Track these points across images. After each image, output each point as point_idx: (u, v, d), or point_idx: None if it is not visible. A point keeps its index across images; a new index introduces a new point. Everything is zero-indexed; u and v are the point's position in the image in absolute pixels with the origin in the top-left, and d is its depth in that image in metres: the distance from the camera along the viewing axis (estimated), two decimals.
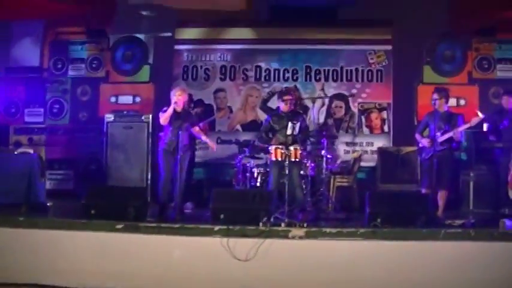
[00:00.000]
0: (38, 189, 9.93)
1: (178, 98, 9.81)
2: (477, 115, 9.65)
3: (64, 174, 13.42)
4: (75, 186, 13.19)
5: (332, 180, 11.37)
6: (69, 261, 8.00)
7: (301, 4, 12.65)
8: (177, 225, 8.12)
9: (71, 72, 13.90)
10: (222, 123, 13.28)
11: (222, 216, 8.21)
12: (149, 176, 12.01)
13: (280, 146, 9.52)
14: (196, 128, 10.13)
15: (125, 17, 13.86)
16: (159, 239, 7.98)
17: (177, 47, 13.76)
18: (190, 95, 11.78)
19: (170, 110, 9.72)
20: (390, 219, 8.03)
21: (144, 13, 14.06)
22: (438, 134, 9.66)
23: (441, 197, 9.75)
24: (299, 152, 9.52)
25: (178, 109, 9.84)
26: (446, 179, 9.77)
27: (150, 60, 13.82)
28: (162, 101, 12.05)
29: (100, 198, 8.78)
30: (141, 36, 14.03)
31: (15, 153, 10.55)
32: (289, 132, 9.75)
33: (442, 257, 7.64)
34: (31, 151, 10.69)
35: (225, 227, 7.85)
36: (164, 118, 9.76)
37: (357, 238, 7.77)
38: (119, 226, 8.05)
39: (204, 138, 10.30)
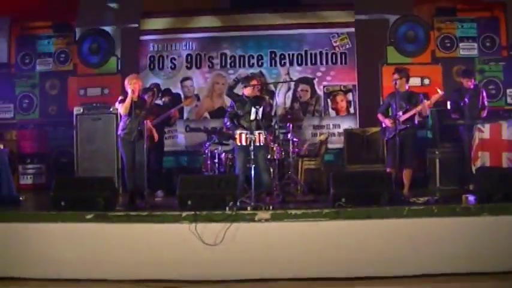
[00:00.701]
0: (8, 184, 9.90)
1: (134, 86, 9.84)
2: (437, 92, 9.83)
3: (36, 168, 13.57)
4: (47, 179, 13.24)
5: (300, 163, 11.46)
6: (41, 253, 8.00)
7: None
8: (145, 213, 8.16)
9: (38, 67, 13.93)
10: (190, 111, 13.38)
11: (189, 202, 8.23)
12: (119, 166, 12.04)
13: (244, 131, 9.59)
14: (149, 123, 9.98)
15: (90, 9, 13.91)
16: (129, 227, 8.03)
17: (142, 37, 13.81)
18: (157, 85, 11.88)
19: (129, 99, 9.79)
20: (354, 199, 8.11)
21: (109, 5, 14.06)
22: (400, 113, 9.82)
23: (406, 175, 9.93)
24: (263, 136, 9.57)
25: (135, 98, 9.88)
26: (409, 157, 9.93)
27: (117, 52, 13.90)
28: None
29: (68, 190, 8.73)
30: (107, 28, 14.08)
31: None
32: (252, 117, 9.82)
33: (406, 234, 7.76)
34: (1, 146, 10.71)
35: (192, 212, 7.88)
36: (125, 107, 9.82)
37: (321, 219, 7.85)
38: (89, 216, 8.07)
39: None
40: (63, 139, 13.38)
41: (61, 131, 13.48)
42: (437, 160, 11.35)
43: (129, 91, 9.80)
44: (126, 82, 9.98)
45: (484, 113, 10.94)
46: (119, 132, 10.13)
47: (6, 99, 13.91)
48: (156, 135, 10.25)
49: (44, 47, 13.99)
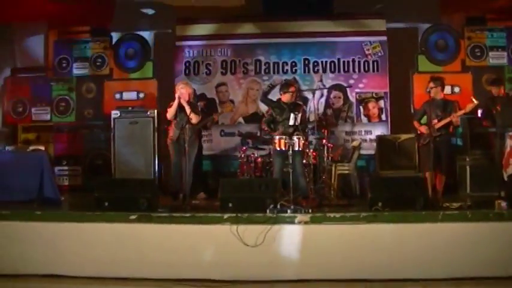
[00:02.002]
0: (50, 185, 10.12)
1: (181, 91, 10.24)
2: (472, 101, 10.02)
3: (72, 170, 13.70)
4: (83, 181, 13.51)
5: (333, 168, 11.62)
6: (85, 252, 8.24)
7: None
8: (188, 215, 8.39)
9: (75, 71, 14.11)
10: (224, 116, 13.50)
11: (230, 204, 8.55)
12: (156, 169, 12.32)
13: (283, 136, 9.76)
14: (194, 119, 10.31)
15: (126, 14, 14.10)
16: (171, 228, 8.26)
17: (178, 43, 13.97)
18: (193, 90, 12.12)
19: (175, 105, 10.12)
20: (390, 203, 8.39)
21: (144, 11, 14.34)
22: (435, 120, 10.05)
23: (439, 181, 10.14)
24: (302, 141, 9.76)
25: (183, 103, 10.22)
26: (443, 163, 10.16)
27: (153, 57, 14.05)
28: (165, 96, 12.52)
29: (112, 191, 9.03)
30: (143, 33, 14.30)
31: (28, 150, 10.79)
32: (291, 122, 10.07)
33: (440, 238, 7.95)
34: (42, 148, 10.98)
35: (234, 214, 8.12)
36: (170, 113, 10.22)
37: (359, 222, 8.08)
38: (133, 217, 8.32)
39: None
40: (98, 142, 13.60)
41: (97, 134, 13.69)
42: (467, 167, 11.41)
43: (176, 96, 10.16)
44: (176, 88, 10.50)
45: None
46: (169, 137, 10.52)
47: (43, 102, 14.09)
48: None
49: (81, 52, 14.16)
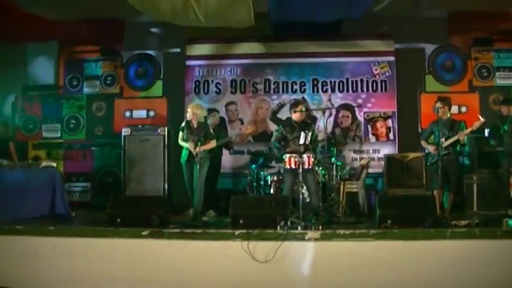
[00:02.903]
0: (62, 201, 10.26)
1: (189, 114, 10.47)
2: (479, 119, 10.15)
3: (82, 187, 13.84)
4: (92, 198, 13.66)
5: (342, 186, 11.70)
6: (98, 267, 8.35)
7: (306, 20, 13.06)
8: (199, 231, 8.50)
9: (86, 89, 14.30)
10: (234, 135, 13.52)
11: (241, 221, 8.65)
12: (166, 186, 12.43)
13: (294, 155, 9.92)
14: (210, 144, 10.55)
15: (136, 34, 14.31)
16: (183, 244, 8.36)
17: (188, 62, 14.13)
18: (214, 109, 12.33)
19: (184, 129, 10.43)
20: (399, 221, 8.48)
21: (153, 30, 14.52)
22: (442, 139, 10.18)
23: (448, 199, 10.25)
24: (312, 159, 9.95)
25: (194, 124, 10.42)
26: (451, 181, 10.28)
27: (163, 76, 14.17)
28: (175, 114, 12.65)
29: (124, 207, 9.21)
30: (152, 52, 14.46)
31: (40, 167, 10.88)
32: (301, 141, 10.18)
33: (449, 255, 8.05)
34: (54, 164, 11.08)
35: (245, 231, 8.23)
36: (180, 137, 10.55)
37: (368, 239, 8.19)
38: (145, 233, 8.44)
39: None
40: (108, 159, 13.77)
41: (107, 151, 13.84)
42: (475, 185, 11.51)
43: (186, 120, 10.42)
44: (188, 110, 10.64)
45: None
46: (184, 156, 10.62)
47: (54, 120, 14.22)
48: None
49: (91, 70, 14.34)
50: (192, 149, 10.13)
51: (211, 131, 10.89)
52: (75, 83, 14.38)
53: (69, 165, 13.99)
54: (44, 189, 10.24)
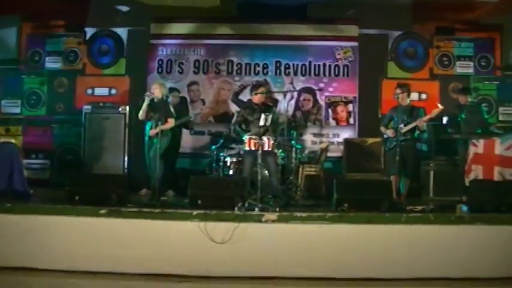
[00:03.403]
0: (20, 178, 10.14)
1: (154, 90, 10.58)
2: (437, 107, 10.29)
3: (41, 164, 13.67)
4: (51, 175, 13.48)
5: (301, 169, 11.83)
6: (56, 245, 8.29)
7: (271, 1, 13.07)
8: (157, 210, 8.49)
9: (48, 65, 14.10)
10: (195, 115, 13.44)
11: (199, 201, 8.66)
12: (126, 165, 12.42)
13: (253, 137, 9.96)
14: (169, 123, 10.62)
15: (101, 11, 14.09)
16: (141, 223, 8.36)
17: (152, 41, 14.07)
18: (175, 88, 12.28)
19: (145, 104, 10.41)
20: (356, 205, 8.58)
21: (119, 7, 14.35)
22: (401, 125, 10.30)
23: (404, 184, 10.40)
24: (272, 142, 9.99)
25: (156, 100, 10.49)
26: (408, 167, 10.41)
27: (126, 54, 14.07)
28: (138, 93, 12.57)
29: (83, 185, 9.10)
30: (117, 30, 14.29)
31: None
32: (261, 123, 10.14)
33: (403, 239, 8.18)
34: (12, 140, 10.98)
35: (202, 211, 8.25)
36: (140, 114, 10.51)
37: (325, 222, 8.26)
38: (103, 211, 8.41)
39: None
40: (68, 136, 13.61)
41: (67, 129, 13.68)
42: (431, 172, 11.68)
43: (146, 96, 10.44)
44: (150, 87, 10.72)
45: (493, 127, 11.46)
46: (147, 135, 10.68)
47: (14, 95, 14.04)
48: (153, 132, 10.49)
49: (54, 46, 14.14)
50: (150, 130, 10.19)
51: (172, 109, 10.89)
52: (37, 58, 14.17)
53: (29, 141, 13.78)
54: (1, 165, 10.08)
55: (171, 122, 10.62)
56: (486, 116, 11.84)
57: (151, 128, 10.42)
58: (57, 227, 8.43)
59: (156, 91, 10.52)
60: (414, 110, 10.56)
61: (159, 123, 10.18)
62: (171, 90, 12.01)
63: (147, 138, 10.55)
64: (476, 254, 8.09)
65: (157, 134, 10.08)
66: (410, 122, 10.33)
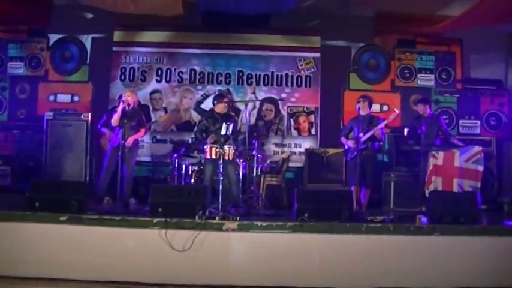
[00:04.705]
0: None
1: (127, 98, 10.45)
2: (394, 111, 10.47)
3: (1, 170, 13.41)
4: (12, 182, 13.28)
5: (262, 179, 11.90)
6: (15, 252, 8.23)
7: (234, 11, 13.12)
8: (118, 218, 8.45)
9: (9, 71, 13.90)
10: (157, 124, 13.59)
11: (160, 209, 8.61)
12: (87, 173, 12.33)
13: (214, 145, 10.04)
14: (141, 132, 10.73)
15: (64, 17, 14.01)
16: (101, 230, 8.33)
17: (115, 48, 14.02)
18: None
19: (119, 111, 10.31)
20: (316, 214, 8.59)
21: (82, 14, 14.30)
22: (361, 134, 10.45)
23: (364, 194, 10.55)
24: (232, 151, 10.07)
25: (127, 109, 10.40)
26: (368, 178, 10.59)
27: (89, 61, 13.98)
28: (100, 100, 12.59)
29: (43, 192, 8.96)
30: (80, 37, 14.23)
31: None
32: (223, 132, 10.29)
33: (364, 249, 8.29)
34: None
35: (163, 219, 8.25)
36: (114, 119, 10.36)
37: (285, 231, 8.32)
38: (63, 218, 8.36)
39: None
40: (30, 143, 13.35)
41: (29, 135, 13.42)
42: (392, 183, 11.78)
43: (121, 102, 10.37)
44: (122, 94, 10.73)
45: (454, 139, 11.62)
46: (110, 140, 10.67)
47: None
48: (130, 141, 10.53)
49: (16, 51, 13.97)
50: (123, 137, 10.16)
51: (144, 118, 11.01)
52: None
53: None
54: None
55: (142, 132, 10.73)
56: (446, 127, 11.94)
57: (122, 136, 10.29)
58: (16, 234, 8.36)
59: (129, 98, 10.45)
60: (373, 119, 10.80)
61: (131, 132, 10.29)
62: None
63: (114, 145, 10.45)
64: (435, 264, 8.21)
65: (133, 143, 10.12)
66: (369, 130, 10.46)
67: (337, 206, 8.82)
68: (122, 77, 13.97)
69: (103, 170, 10.69)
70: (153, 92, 13.98)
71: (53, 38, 14.12)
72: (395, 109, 10.58)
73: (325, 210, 8.73)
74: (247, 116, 11.53)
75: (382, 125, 10.56)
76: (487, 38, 13.70)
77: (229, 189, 10.26)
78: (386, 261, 8.23)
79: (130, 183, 10.33)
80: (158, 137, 13.66)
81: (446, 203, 9.02)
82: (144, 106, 13.49)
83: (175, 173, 11.79)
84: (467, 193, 10.08)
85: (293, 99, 13.90)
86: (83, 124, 12.42)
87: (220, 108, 10.78)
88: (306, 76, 13.88)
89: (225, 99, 10.88)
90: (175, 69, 14.01)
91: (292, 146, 13.76)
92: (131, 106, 10.50)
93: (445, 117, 13.24)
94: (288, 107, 13.88)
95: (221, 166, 9.70)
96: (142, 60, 14.07)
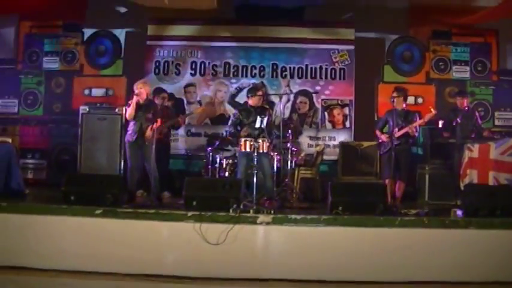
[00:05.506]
0: (17, 177, 10.13)
1: (139, 90, 10.35)
2: (430, 111, 10.37)
3: (37, 164, 13.70)
4: (48, 175, 13.50)
5: (296, 172, 11.86)
6: (51, 245, 8.33)
7: (268, 4, 13.10)
8: (152, 211, 8.52)
9: (45, 65, 14.06)
10: (192, 117, 13.54)
11: (194, 203, 8.66)
12: (122, 166, 12.37)
13: (249, 139, 10.05)
14: (158, 123, 10.42)
15: (98, 11, 14.12)
16: (136, 223, 8.40)
17: (149, 42, 14.09)
18: (162, 89, 12.18)
19: (133, 104, 10.27)
20: (351, 208, 8.59)
21: (117, 8, 14.40)
22: (396, 129, 10.36)
23: (399, 188, 10.49)
24: (267, 144, 10.08)
25: (141, 101, 10.38)
26: (403, 171, 10.52)
27: (123, 55, 14.08)
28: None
29: (79, 185, 9.08)
30: (115, 31, 14.31)
31: None
32: (257, 125, 10.34)
33: (397, 242, 8.22)
34: (9, 140, 10.99)
35: (197, 212, 8.29)
36: (129, 113, 10.37)
37: (319, 224, 8.30)
38: (98, 211, 8.44)
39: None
40: (65, 137, 13.57)
41: (64, 129, 13.65)
42: (427, 176, 11.56)
43: (135, 96, 10.30)
44: (134, 86, 10.48)
45: (486, 132, 11.49)
46: (126, 135, 10.61)
47: (11, 95, 14.04)
48: (149, 133, 10.33)
49: (51, 46, 14.13)
50: (140, 130, 10.25)
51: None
52: (34, 58, 14.14)
53: (25, 141, 13.80)
54: None
55: (159, 122, 10.53)
56: (480, 122, 11.80)
57: (139, 129, 10.35)
58: (52, 227, 8.46)
59: (142, 91, 10.39)
60: (409, 114, 10.68)
61: (148, 124, 10.24)
62: (159, 90, 11.98)
63: (132, 139, 10.47)
64: (470, 258, 8.13)
65: (153, 135, 10.08)
66: (404, 126, 10.39)
67: (372, 200, 8.80)
68: (156, 71, 14.05)
69: (128, 164, 10.73)
70: (187, 85, 14.03)
71: (88, 32, 14.26)
72: (431, 109, 10.47)
73: (359, 203, 8.71)
74: (282, 108, 11.54)
75: (417, 123, 10.48)
76: None
77: (264, 183, 10.22)
78: (421, 255, 8.15)
79: (155, 177, 10.24)
80: (192, 130, 13.73)
81: (481, 196, 8.90)
82: (179, 99, 13.58)
83: (210, 166, 11.81)
84: (503, 186, 9.92)
85: (327, 92, 13.86)
86: (118, 118, 12.42)
87: (254, 101, 10.77)
88: (340, 69, 13.82)
89: (259, 92, 10.86)
90: (209, 63, 14.03)
91: (327, 138, 13.73)
92: (144, 98, 10.45)
93: (480, 109, 13.10)
94: (322, 99, 13.84)
95: (255, 159, 9.71)
96: (176, 53, 14.13)
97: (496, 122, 13.45)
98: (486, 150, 10.55)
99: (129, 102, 10.50)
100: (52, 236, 8.42)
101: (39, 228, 8.47)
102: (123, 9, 14.42)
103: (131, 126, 10.51)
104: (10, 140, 11.01)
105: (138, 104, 10.34)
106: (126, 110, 10.60)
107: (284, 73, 13.90)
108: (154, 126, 10.22)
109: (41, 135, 13.87)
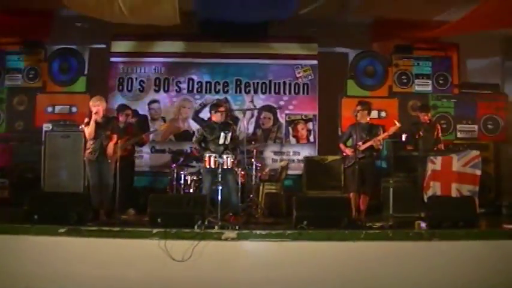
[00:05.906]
0: None
1: (97, 108, 10.24)
2: (395, 124, 10.45)
3: None
4: (10, 194, 13.18)
5: (261, 187, 11.89)
6: (14, 264, 8.23)
7: (233, 19, 13.13)
8: (117, 229, 8.49)
9: (7, 82, 13.94)
10: (156, 134, 13.44)
11: (159, 220, 8.63)
12: (86, 184, 12.24)
13: (213, 155, 10.07)
14: (114, 139, 10.39)
15: (61, 28, 14.00)
16: (100, 242, 8.34)
17: (112, 59, 14.06)
18: (126, 106, 12.11)
19: (92, 122, 10.18)
20: (316, 222, 8.63)
21: (79, 25, 14.23)
22: (360, 143, 10.41)
23: (363, 201, 10.48)
24: (231, 160, 10.09)
25: (99, 119, 10.28)
26: (367, 184, 10.51)
27: (86, 72, 14.02)
28: None
29: (42, 204, 8.98)
30: (78, 47, 14.27)
31: None
32: (221, 141, 10.36)
33: (363, 255, 8.30)
34: None
35: (162, 229, 8.27)
36: (88, 132, 10.25)
37: (285, 239, 8.35)
38: (62, 230, 8.36)
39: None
40: (28, 155, 13.26)
41: (27, 147, 13.34)
42: (391, 189, 11.75)
43: (93, 114, 10.19)
44: (90, 104, 10.34)
45: (442, 146, 11.57)
46: (86, 153, 10.50)
47: None
48: (110, 150, 10.34)
49: (13, 63, 14.01)
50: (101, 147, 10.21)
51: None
52: None
53: None
54: None
55: (114, 138, 10.43)
56: (439, 135, 11.91)
57: (99, 147, 10.27)
58: (15, 246, 8.36)
59: (99, 108, 10.29)
60: (373, 128, 10.72)
61: (108, 141, 10.24)
62: (122, 107, 11.93)
63: (93, 158, 10.37)
64: (435, 269, 8.21)
65: (115, 152, 10.04)
66: (368, 140, 10.45)
67: (336, 213, 8.84)
68: (120, 87, 14.02)
69: (90, 182, 10.61)
70: (152, 102, 14.04)
71: (50, 49, 14.15)
72: (396, 122, 10.55)
73: (324, 217, 8.76)
74: (246, 124, 11.53)
75: (382, 136, 10.56)
76: (483, 42, 13.66)
77: (229, 198, 10.24)
78: (385, 267, 8.23)
79: (108, 194, 10.16)
80: (157, 147, 13.73)
81: (444, 208, 9.07)
82: (143, 116, 13.54)
83: (175, 183, 11.77)
84: (466, 197, 10.07)
85: (291, 107, 13.95)
86: (81, 135, 12.15)
87: (217, 117, 10.77)
88: (304, 84, 13.94)
89: (221, 108, 10.86)
90: (173, 79, 14.07)
91: (291, 153, 13.82)
92: (101, 115, 10.35)
93: (442, 122, 13.27)
94: (286, 114, 13.94)
95: (220, 175, 9.71)
96: (140, 70, 14.12)
97: (458, 135, 13.67)
98: (448, 163, 10.68)
99: (86, 121, 10.40)
100: (16, 256, 8.31)
101: (1, 248, 8.36)
102: (85, 26, 14.22)
103: (91, 145, 10.39)
104: None
105: (96, 122, 10.24)
106: (84, 129, 10.46)
107: (248, 88, 13.97)
108: (113, 142, 10.21)
109: (3, 153, 13.58)
